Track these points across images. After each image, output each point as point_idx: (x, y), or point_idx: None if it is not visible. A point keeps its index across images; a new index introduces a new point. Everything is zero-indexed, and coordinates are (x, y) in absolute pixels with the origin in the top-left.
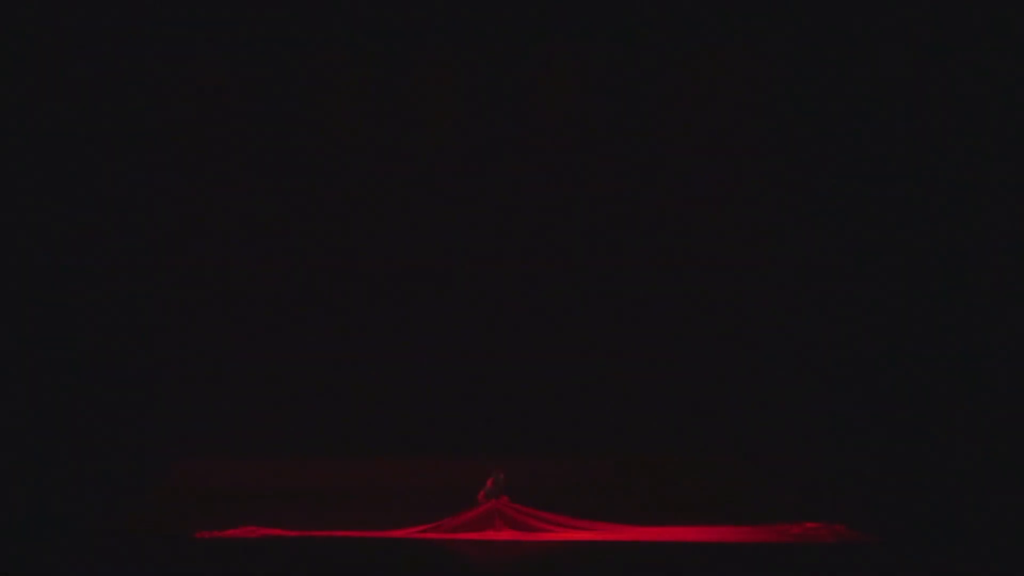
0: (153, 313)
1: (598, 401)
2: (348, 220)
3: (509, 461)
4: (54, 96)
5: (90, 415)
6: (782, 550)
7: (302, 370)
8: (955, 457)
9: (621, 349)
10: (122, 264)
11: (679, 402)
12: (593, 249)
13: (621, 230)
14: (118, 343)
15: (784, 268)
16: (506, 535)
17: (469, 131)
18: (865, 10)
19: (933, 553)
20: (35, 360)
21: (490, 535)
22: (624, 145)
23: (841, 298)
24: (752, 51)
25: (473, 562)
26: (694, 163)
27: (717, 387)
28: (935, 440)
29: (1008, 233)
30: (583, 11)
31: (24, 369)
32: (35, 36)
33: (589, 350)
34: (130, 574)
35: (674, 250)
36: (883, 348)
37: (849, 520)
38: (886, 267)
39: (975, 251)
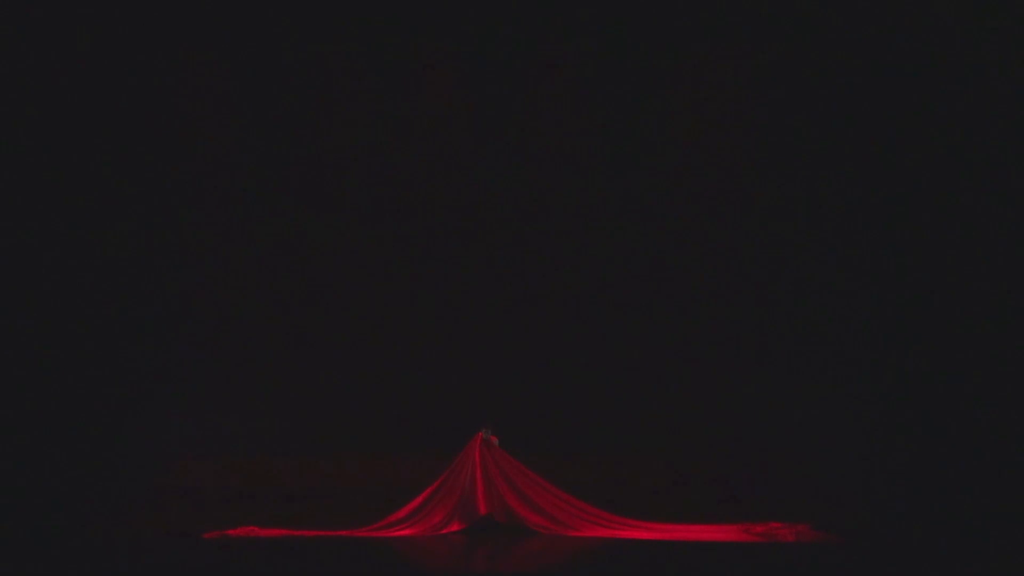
0: (152, 312)
1: (575, 400)
2: (346, 219)
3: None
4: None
5: (89, 415)
6: (744, 548)
7: (301, 370)
8: (924, 457)
9: (605, 349)
10: (121, 263)
11: (646, 400)
12: (590, 249)
13: (621, 230)
14: (117, 342)
15: (781, 268)
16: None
17: (468, 131)
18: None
19: (895, 554)
20: (34, 360)
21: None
22: (623, 145)
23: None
24: (752, 52)
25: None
26: (694, 163)
27: (685, 386)
28: (905, 440)
29: (1010, 232)
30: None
31: (23, 369)
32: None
33: (576, 348)
34: (131, 574)
35: (672, 249)
36: (859, 347)
37: (814, 520)
38: (886, 268)
39: (976, 250)
